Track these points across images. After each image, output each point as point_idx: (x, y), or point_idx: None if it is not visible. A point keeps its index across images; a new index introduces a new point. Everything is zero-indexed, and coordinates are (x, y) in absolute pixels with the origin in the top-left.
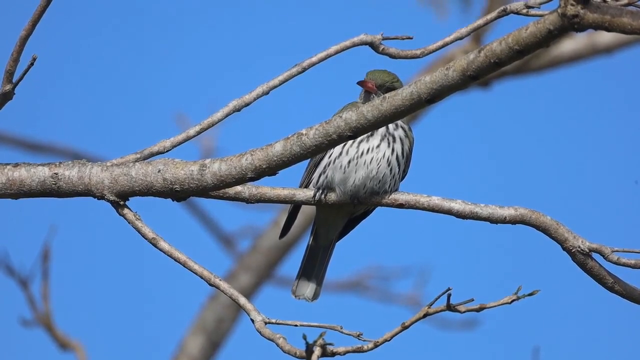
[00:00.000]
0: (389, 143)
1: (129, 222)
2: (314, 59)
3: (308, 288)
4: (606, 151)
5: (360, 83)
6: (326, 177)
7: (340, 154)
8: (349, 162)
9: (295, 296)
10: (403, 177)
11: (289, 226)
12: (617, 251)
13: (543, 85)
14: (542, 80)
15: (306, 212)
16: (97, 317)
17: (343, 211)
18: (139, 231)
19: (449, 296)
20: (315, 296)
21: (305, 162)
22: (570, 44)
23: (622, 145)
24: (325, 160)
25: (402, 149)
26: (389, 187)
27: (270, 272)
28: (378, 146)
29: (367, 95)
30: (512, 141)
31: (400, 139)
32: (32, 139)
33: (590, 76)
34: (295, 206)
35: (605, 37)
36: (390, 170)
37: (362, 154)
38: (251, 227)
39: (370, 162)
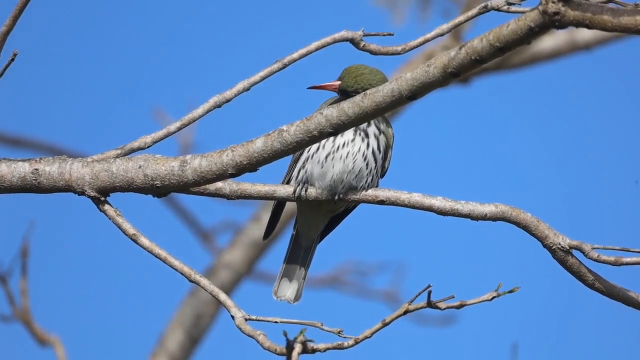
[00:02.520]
0: (362, 138)
1: (109, 218)
2: (295, 55)
3: (289, 289)
4: (586, 147)
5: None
6: (305, 171)
7: (318, 148)
8: (327, 156)
9: (277, 297)
10: (384, 174)
11: (273, 226)
12: (597, 248)
13: (523, 82)
14: (521, 76)
15: (287, 208)
16: (76, 313)
17: (324, 209)
18: (119, 227)
19: (429, 293)
20: (297, 297)
21: (288, 160)
22: (550, 40)
23: (601, 141)
24: (304, 155)
25: (378, 144)
26: (366, 182)
27: (250, 268)
28: (353, 140)
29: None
30: (492, 137)
31: (375, 135)
32: (13, 134)
33: (570, 73)
34: (278, 205)
35: (584, 34)
36: (367, 164)
37: (337, 148)
38: (230, 222)
39: (347, 156)
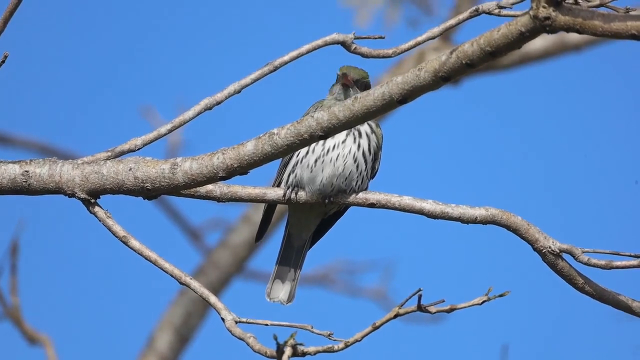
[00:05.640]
0: (354, 138)
1: (99, 220)
2: (286, 57)
3: (282, 291)
4: (577, 148)
5: (343, 77)
6: (295, 176)
7: (307, 152)
8: (316, 160)
9: (270, 299)
10: (373, 176)
11: (265, 228)
12: (587, 252)
13: (512, 83)
14: (511, 77)
15: (279, 209)
16: (66, 313)
17: (315, 211)
18: (109, 229)
19: (419, 297)
20: (290, 299)
21: (278, 162)
22: (540, 41)
23: (592, 141)
24: (294, 160)
25: (369, 144)
26: (356, 184)
27: (239, 267)
28: (344, 142)
29: (346, 89)
30: (482, 139)
31: (367, 134)
32: (2, 133)
33: (560, 73)
34: (270, 208)
35: (574, 35)
36: (357, 167)
37: (327, 151)
38: (219, 221)
39: (337, 159)
